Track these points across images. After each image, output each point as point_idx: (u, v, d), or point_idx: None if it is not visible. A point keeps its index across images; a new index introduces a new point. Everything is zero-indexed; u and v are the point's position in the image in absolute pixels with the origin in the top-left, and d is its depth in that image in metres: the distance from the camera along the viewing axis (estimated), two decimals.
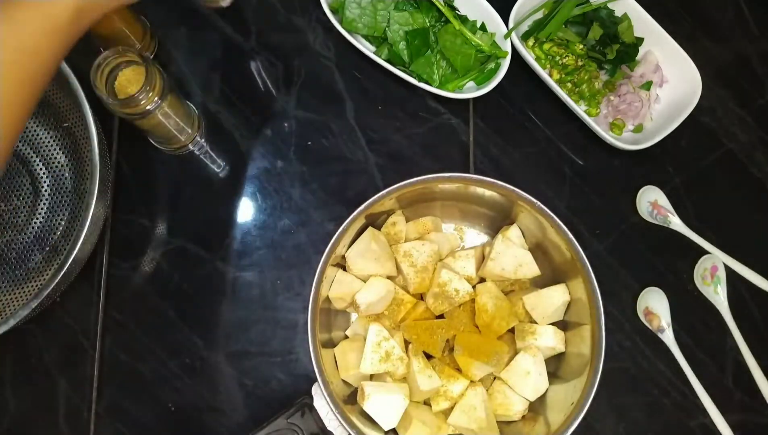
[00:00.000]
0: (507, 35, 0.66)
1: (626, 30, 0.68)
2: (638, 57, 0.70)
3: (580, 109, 0.67)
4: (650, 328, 0.66)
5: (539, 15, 0.70)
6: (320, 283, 0.55)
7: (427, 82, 0.68)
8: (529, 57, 0.67)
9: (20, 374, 0.64)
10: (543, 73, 0.68)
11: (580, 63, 0.68)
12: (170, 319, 0.65)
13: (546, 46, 0.69)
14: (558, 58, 0.69)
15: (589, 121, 0.67)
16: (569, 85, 0.69)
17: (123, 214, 0.67)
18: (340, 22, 0.68)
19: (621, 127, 0.68)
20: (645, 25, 0.69)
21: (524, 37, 0.70)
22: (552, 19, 0.68)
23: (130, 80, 0.58)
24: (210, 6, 0.70)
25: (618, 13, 0.70)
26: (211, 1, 0.67)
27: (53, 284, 0.55)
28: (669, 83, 0.70)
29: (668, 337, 0.65)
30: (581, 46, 0.68)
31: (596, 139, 0.68)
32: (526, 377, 0.57)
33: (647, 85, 0.69)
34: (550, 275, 0.61)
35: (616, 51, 0.67)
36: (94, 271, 0.66)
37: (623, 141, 0.67)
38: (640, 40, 0.69)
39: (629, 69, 0.70)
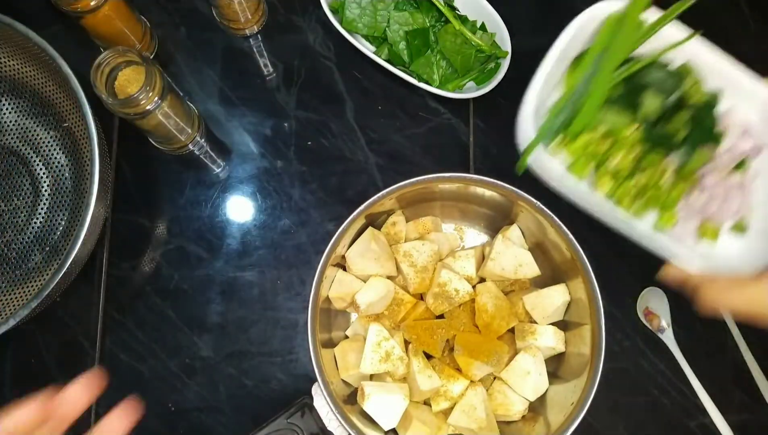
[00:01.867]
0: (522, 163, 0.41)
1: (693, 87, 0.45)
2: (719, 123, 0.45)
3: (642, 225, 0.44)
4: (650, 328, 0.66)
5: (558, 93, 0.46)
6: (320, 283, 0.55)
7: (427, 82, 0.68)
8: (572, 185, 0.43)
9: (20, 374, 0.64)
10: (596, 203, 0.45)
11: (637, 158, 0.44)
12: (170, 319, 0.65)
13: (582, 141, 0.44)
14: (604, 159, 0.45)
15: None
16: (629, 195, 0.45)
17: (123, 214, 0.67)
18: (340, 22, 0.68)
19: (715, 231, 0.45)
20: (717, 72, 0.44)
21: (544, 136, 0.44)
22: (584, 101, 0.43)
23: (130, 80, 0.58)
24: (236, 33, 0.71)
25: (674, 64, 0.46)
26: (237, 29, 0.68)
27: (53, 284, 0.55)
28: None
29: (668, 337, 0.65)
30: (635, 128, 0.44)
31: None
32: (526, 377, 0.57)
33: (742, 165, 0.45)
34: (550, 275, 0.61)
35: (688, 123, 0.43)
36: (94, 271, 0.66)
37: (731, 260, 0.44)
38: (714, 97, 0.46)
39: (712, 145, 0.45)
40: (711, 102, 0.43)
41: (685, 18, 0.73)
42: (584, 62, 0.37)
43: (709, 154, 0.43)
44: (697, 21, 0.74)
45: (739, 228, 0.43)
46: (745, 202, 0.44)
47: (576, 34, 0.36)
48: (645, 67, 0.41)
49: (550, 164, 0.41)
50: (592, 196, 0.42)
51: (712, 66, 0.41)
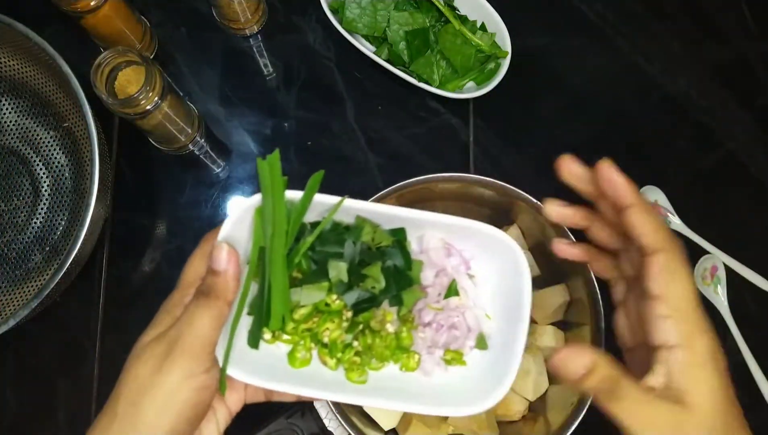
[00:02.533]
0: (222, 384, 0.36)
1: (376, 234, 0.40)
2: (413, 255, 0.41)
3: None
4: None
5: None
6: None
7: (427, 82, 0.68)
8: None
9: (20, 374, 0.64)
10: None
11: (345, 325, 0.40)
12: None
13: (290, 327, 0.39)
14: (319, 336, 0.40)
15: None
16: (355, 363, 0.40)
17: (123, 214, 0.67)
18: (340, 22, 0.68)
19: (459, 355, 0.41)
20: (388, 217, 0.39)
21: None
22: (270, 290, 0.37)
23: (130, 80, 0.58)
24: (236, 33, 0.71)
25: (345, 217, 0.40)
26: (237, 29, 0.68)
27: (53, 284, 0.55)
28: (476, 258, 0.42)
29: None
30: (335, 297, 0.39)
31: (596, 139, 0.68)
32: (526, 377, 0.57)
33: (453, 289, 0.41)
34: (550, 275, 0.61)
35: (383, 272, 0.39)
36: (94, 271, 0.66)
37: None
38: (401, 233, 0.40)
39: (412, 280, 0.40)
40: (400, 241, 0.40)
41: (686, 18, 0.74)
42: (251, 258, 0.38)
43: (416, 291, 0.41)
44: (697, 21, 0.74)
45: (481, 345, 0.42)
46: (473, 319, 0.42)
47: (235, 229, 0.36)
48: (319, 238, 0.39)
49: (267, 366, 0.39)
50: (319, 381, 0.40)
51: (381, 213, 0.39)
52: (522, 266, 0.39)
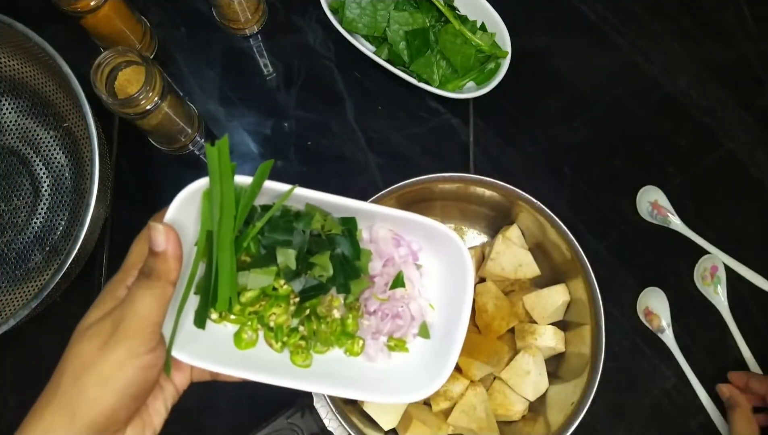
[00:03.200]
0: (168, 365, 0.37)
1: (327, 222, 0.40)
2: (362, 244, 0.42)
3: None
4: (650, 328, 0.66)
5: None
6: None
7: (427, 82, 0.68)
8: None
9: (20, 374, 0.64)
10: None
11: (292, 310, 0.41)
12: None
13: (237, 308, 0.40)
14: (265, 319, 0.41)
15: None
16: (301, 347, 0.41)
17: (123, 214, 0.67)
18: (340, 22, 0.68)
19: (402, 343, 0.43)
20: (336, 206, 0.40)
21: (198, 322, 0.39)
22: (217, 272, 0.37)
23: (130, 80, 0.58)
24: (236, 33, 0.71)
25: (297, 205, 0.40)
26: (237, 29, 0.68)
27: (53, 284, 0.55)
28: (424, 250, 0.43)
29: (668, 337, 0.65)
30: (283, 283, 0.40)
31: (596, 139, 0.68)
32: (526, 377, 0.57)
33: (399, 280, 0.42)
34: (550, 275, 0.61)
35: (331, 260, 0.40)
36: (94, 271, 0.66)
37: None
38: (352, 223, 0.41)
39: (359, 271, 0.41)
40: (350, 230, 0.41)
41: (686, 18, 0.74)
42: (199, 241, 0.38)
43: (364, 281, 0.41)
44: (697, 21, 0.74)
45: (423, 333, 0.43)
46: (417, 309, 0.43)
47: (182, 212, 0.36)
48: (269, 224, 0.39)
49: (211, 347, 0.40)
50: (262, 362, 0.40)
51: (331, 203, 0.39)
52: (465, 260, 0.40)
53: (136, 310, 0.34)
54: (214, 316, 0.40)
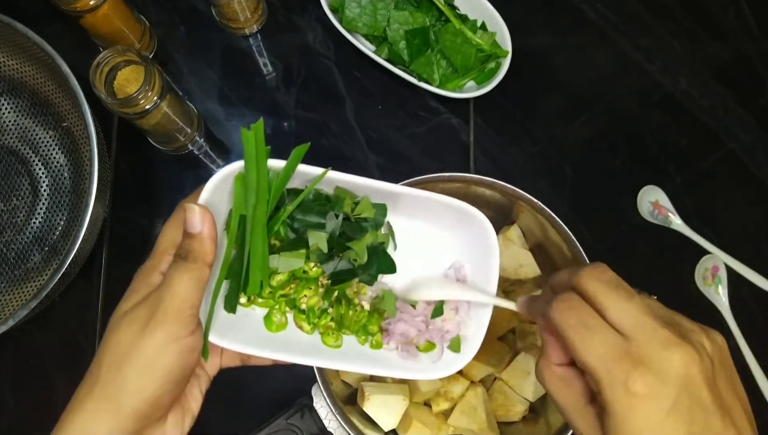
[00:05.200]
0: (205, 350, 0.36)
1: (362, 205, 0.40)
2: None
3: None
4: None
5: None
6: None
7: (427, 82, 0.67)
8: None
9: (20, 374, 0.64)
10: None
11: (323, 293, 0.41)
12: None
13: (267, 292, 0.41)
14: (297, 302, 0.41)
15: None
16: (332, 324, 0.42)
17: (122, 214, 0.67)
18: (340, 22, 0.67)
19: (433, 345, 0.42)
20: (362, 187, 0.40)
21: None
22: (249, 256, 0.38)
23: (129, 80, 0.57)
24: (235, 32, 0.71)
25: (326, 187, 0.40)
26: (237, 29, 0.67)
27: (52, 284, 0.55)
28: (452, 229, 0.44)
29: None
30: (312, 265, 0.40)
31: (597, 139, 0.68)
32: (527, 378, 0.57)
33: (438, 309, 0.42)
34: (551, 275, 0.61)
35: (365, 246, 0.40)
36: (93, 271, 0.66)
37: None
38: (381, 208, 0.41)
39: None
40: (380, 218, 0.41)
41: (687, 17, 0.73)
42: (231, 226, 0.37)
43: (391, 295, 0.41)
44: (698, 20, 0.74)
45: (454, 347, 0.42)
46: (455, 325, 0.42)
47: (215, 195, 0.36)
48: (301, 208, 0.39)
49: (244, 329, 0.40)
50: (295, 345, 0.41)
51: (361, 185, 0.39)
52: (492, 243, 0.40)
53: (174, 292, 0.33)
54: (243, 299, 0.40)
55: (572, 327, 0.30)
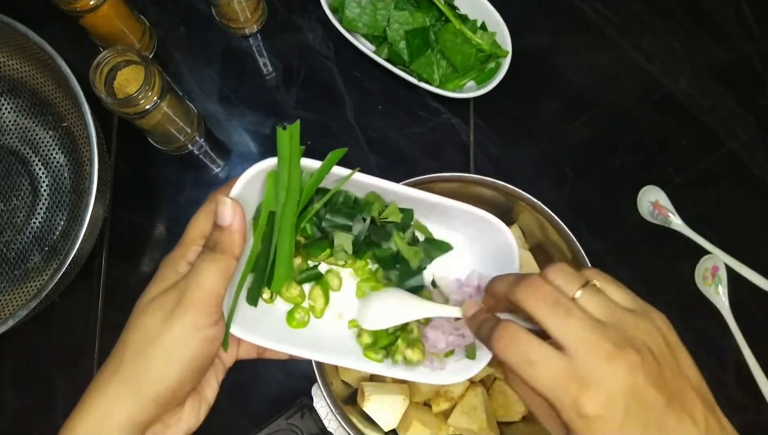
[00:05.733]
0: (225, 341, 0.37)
1: (390, 209, 0.41)
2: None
3: None
4: None
5: None
6: None
7: (427, 82, 0.67)
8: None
9: (20, 374, 0.64)
10: None
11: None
12: None
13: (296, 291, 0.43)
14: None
15: None
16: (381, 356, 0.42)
17: (122, 214, 0.67)
18: (340, 22, 0.67)
19: (451, 352, 0.44)
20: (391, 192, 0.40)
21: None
22: (276, 254, 0.39)
23: (129, 80, 0.57)
24: (235, 32, 0.71)
25: (355, 190, 0.41)
26: (237, 29, 0.67)
27: (52, 284, 0.55)
28: (474, 239, 0.44)
29: None
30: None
31: (597, 139, 0.68)
32: None
33: (471, 352, 0.43)
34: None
35: (390, 257, 0.42)
36: (93, 271, 0.66)
37: None
38: (408, 214, 0.42)
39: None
40: (407, 219, 0.42)
41: (687, 17, 0.73)
42: (260, 222, 0.38)
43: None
44: (698, 20, 0.74)
45: (470, 355, 0.42)
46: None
47: (246, 189, 0.37)
48: (330, 209, 0.40)
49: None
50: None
51: (390, 190, 0.40)
52: (514, 256, 0.41)
53: (200, 281, 0.34)
54: (266, 295, 0.41)
55: (516, 362, 0.31)
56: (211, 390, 0.39)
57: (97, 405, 0.33)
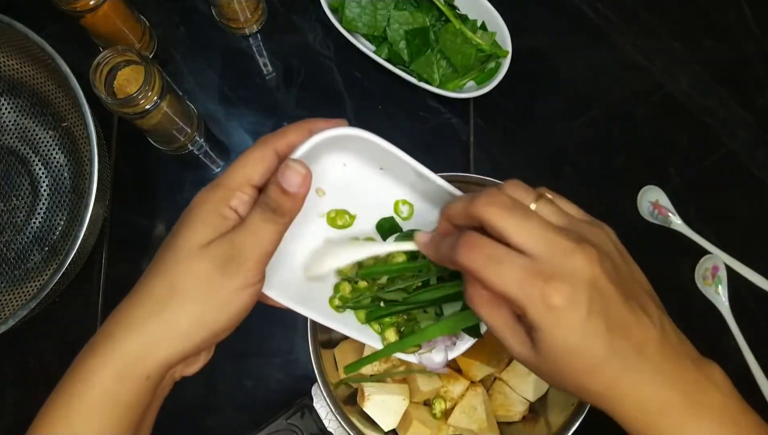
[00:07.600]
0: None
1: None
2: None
3: None
4: None
5: None
6: None
7: (427, 82, 0.67)
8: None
9: (20, 374, 0.64)
10: None
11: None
12: None
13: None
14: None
15: None
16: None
17: (122, 214, 0.67)
18: (340, 22, 0.67)
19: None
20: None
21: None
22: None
23: (129, 80, 0.57)
24: (235, 32, 0.71)
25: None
26: (237, 29, 0.67)
27: (52, 284, 0.55)
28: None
29: None
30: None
31: (597, 139, 0.68)
32: (527, 378, 0.57)
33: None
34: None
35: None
36: (93, 272, 0.66)
37: None
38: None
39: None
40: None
41: (687, 17, 0.73)
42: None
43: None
44: (697, 20, 0.74)
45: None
46: None
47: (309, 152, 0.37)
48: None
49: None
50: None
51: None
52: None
53: (260, 241, 0.34)
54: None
55: (481, 265, 0.32)
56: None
57: (131, 344, 0.34)
